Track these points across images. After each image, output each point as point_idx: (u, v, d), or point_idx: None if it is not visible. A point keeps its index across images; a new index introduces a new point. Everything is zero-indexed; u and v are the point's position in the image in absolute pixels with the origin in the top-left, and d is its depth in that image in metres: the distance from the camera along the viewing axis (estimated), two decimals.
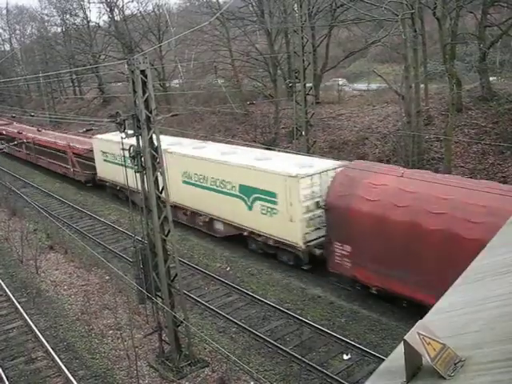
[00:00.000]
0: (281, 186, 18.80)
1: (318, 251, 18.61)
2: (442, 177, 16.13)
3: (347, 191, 16.69)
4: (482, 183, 15.22)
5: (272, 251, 20.58)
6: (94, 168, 32.53)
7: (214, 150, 23.72)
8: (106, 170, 30.93)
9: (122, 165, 28.34)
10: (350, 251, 16.87)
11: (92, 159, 32.52)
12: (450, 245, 13.81)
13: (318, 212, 18.48)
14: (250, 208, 20.50)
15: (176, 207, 23.55)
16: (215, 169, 22.03)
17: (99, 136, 31.51)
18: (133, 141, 13.36)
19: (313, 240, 18.75)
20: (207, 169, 22.37)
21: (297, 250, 19.00)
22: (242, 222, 21.11)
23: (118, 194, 30.65)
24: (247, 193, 20.45)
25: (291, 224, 18.74)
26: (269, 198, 19.42)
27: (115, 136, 28.43)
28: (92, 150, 32.39)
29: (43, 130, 38.96)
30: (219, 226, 22.84)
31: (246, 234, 21.28)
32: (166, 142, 22.98)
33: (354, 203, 16.31)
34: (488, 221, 12.70)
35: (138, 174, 13.84)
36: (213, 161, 22.16)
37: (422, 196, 14.88)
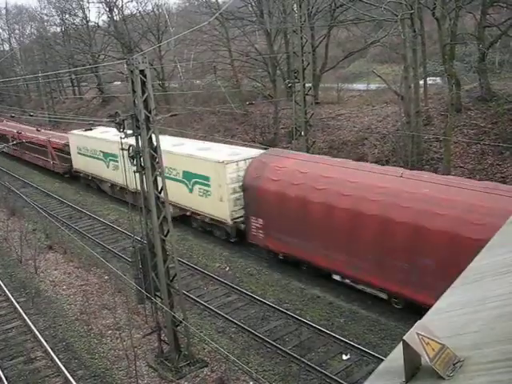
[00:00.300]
0: (212, 170, 21.84)
1: (243, 226, 21.43)
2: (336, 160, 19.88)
3: (259, 173, 19.90)
4: (365, 165, 18.30)
5: (209, 228, 23.53)
6: (71, 161, 35.32)
7: (165, 142, 25.90)
8: (80, 162, 34.02)
9: (92, 157, 31.13)
10: (262, 224, 19.94)
11: (69, 153, 35.28)
12: (328, 214, 16.97)
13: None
14: (191, 191, 23.51)
15: (137, 193, 25.05)
16: (164, 158, 23.33)
17: (74, 131, 34.78)
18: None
19: (239, 217, 21.59)
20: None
21: (226, 225, 21.94)
22: (186, 204, 24.00)
23: (90, 183, 34.01)
24: (188, 178, 23.50)
25: (221, 203, 21.75)
26: (204, 182, 22.49)
27: (88, 132, 32.74)
28: (69, 144, 35.38)
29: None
30: (169, 209, 24.87)
31: (188, 214, 24.24)
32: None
33: (263, 183, 19.55)
34: (355, 194, 16.20)
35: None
36: (164, 152, 23.64)
37: (311, 175, 18.01)
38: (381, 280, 15.84)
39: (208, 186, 22.28)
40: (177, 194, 23.28)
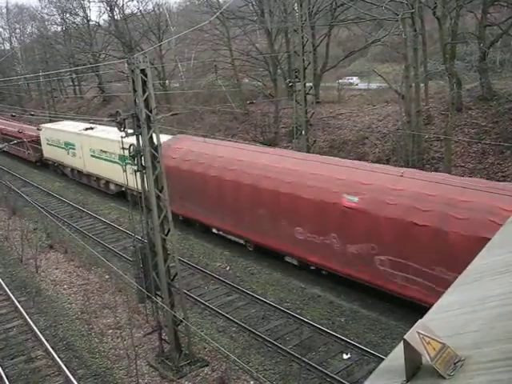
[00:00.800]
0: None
1: None
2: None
3: (165, 153, 23.89)
4: (235, 145, 24.34)
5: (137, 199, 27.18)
6: (42, 150, 40.45)
7: (110, 132, 31.17)
8: (49, 152, 39.30)
9: (57, 146, 37.66)
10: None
11: (41, 143, 40.51)
12: (204, 182, 22.01)
13: None
14: (124, 170, 27.22)
15: (89, 175, 33.57)
16: (106, 144, 29.86)
17: (44, 125, 39.79)
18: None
19: None
20: (102, 145, 30.13)
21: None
22: (121, 181, 28.24)
23: (56, 169, 39.39)
24: (122, 160, 27.50)
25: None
26: (132, 162, 24.59)
27: (55, 125, 38.63)
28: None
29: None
30: (112, 187, 30.95)
31: (123, 189, 28.19)
32: (82, 127, 31.16)
33: (167, 161, 23.52)
34: (221, 165, 21.45)
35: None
36: (104, 139, 30.01)
37: (197, 153, 23.07)
38: (239, 230, 21.20)
39: (135, 165, 25.98)
40: (116, 173, 28.63)
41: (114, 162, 29.37)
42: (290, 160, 19.43)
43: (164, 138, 26.82)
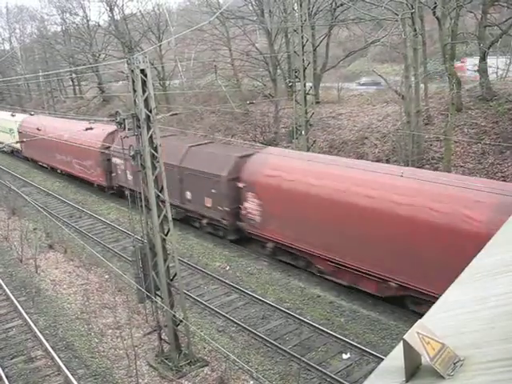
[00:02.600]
0: (13, 125, 44.38)
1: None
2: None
3: (25, 125, 42.52)
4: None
5: (15, 151, 46.16)
6: None
7: (7, 115, 48.23)
8: None
9: None
10: (25, 146, 40.49)
11: None
12: (39, 140, 32.76)
13: None
14: (10, 136, 45.20)
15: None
16: (3, 122, 47.30)
17: None
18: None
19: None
20: (2, 122, 47.81)
21: (19, 150, 44.26)
22: (10, 142, 44.48)
23: None
24: (10, 131, 45.57)
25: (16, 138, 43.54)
26: (13, 130, 44.62)
27: None
28: None
29: None
30: (7, 148, 45.46)
31: (11, 149, 45.75)
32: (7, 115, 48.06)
33: (24, 129, 41.78)
34: (48, 130, 36.36)
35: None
36: (2, 119, 47.90)
37: (46, 127, 37.78)
38: (52, 163, 38.98)
39: (13, 132, 44.37)
40: (8, 139, 44.56)
41: (7, 132, 46.34)
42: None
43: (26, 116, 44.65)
